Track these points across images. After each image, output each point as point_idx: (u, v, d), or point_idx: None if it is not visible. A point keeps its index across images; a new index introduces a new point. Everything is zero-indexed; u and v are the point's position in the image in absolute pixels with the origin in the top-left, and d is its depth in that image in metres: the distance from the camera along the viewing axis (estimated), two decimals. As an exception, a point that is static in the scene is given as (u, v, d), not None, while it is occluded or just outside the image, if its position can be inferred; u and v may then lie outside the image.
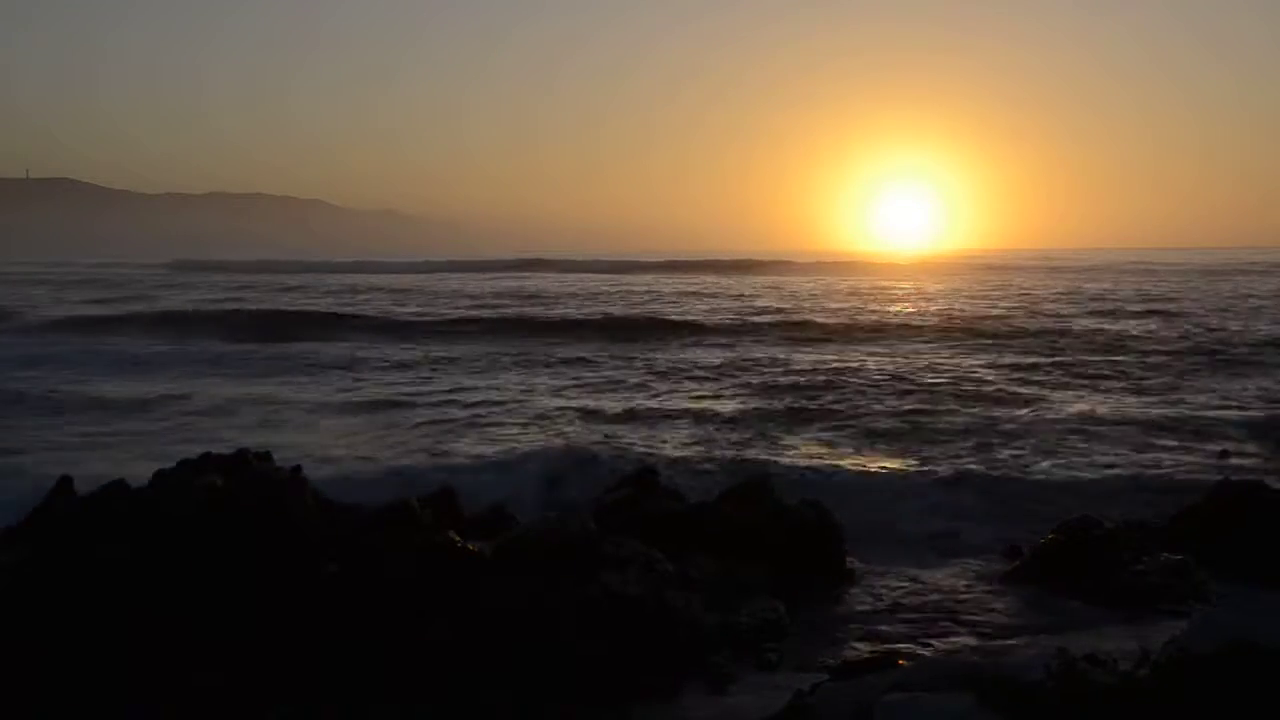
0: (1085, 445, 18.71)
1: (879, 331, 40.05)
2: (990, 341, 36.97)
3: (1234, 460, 17.59)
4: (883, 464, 17.67)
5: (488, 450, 17.98)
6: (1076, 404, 23.66)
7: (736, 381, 27.08)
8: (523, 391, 25.34)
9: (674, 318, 45.54)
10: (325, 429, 20.40)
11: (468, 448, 18.34)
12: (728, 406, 23.01)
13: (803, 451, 18.98)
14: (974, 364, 30.84)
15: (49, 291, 72.77)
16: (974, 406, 23.17)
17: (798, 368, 29.51)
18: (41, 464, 15.34)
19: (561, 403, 23.49)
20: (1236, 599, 10.28)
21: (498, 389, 25.62)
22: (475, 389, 25.60)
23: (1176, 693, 5.46)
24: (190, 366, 30.25)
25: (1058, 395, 24.96)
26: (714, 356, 32.43)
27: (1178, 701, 5.42)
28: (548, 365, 30.47)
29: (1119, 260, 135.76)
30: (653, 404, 23.35)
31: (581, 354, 32.70)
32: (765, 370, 29.06)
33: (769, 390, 25.35)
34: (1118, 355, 32.05)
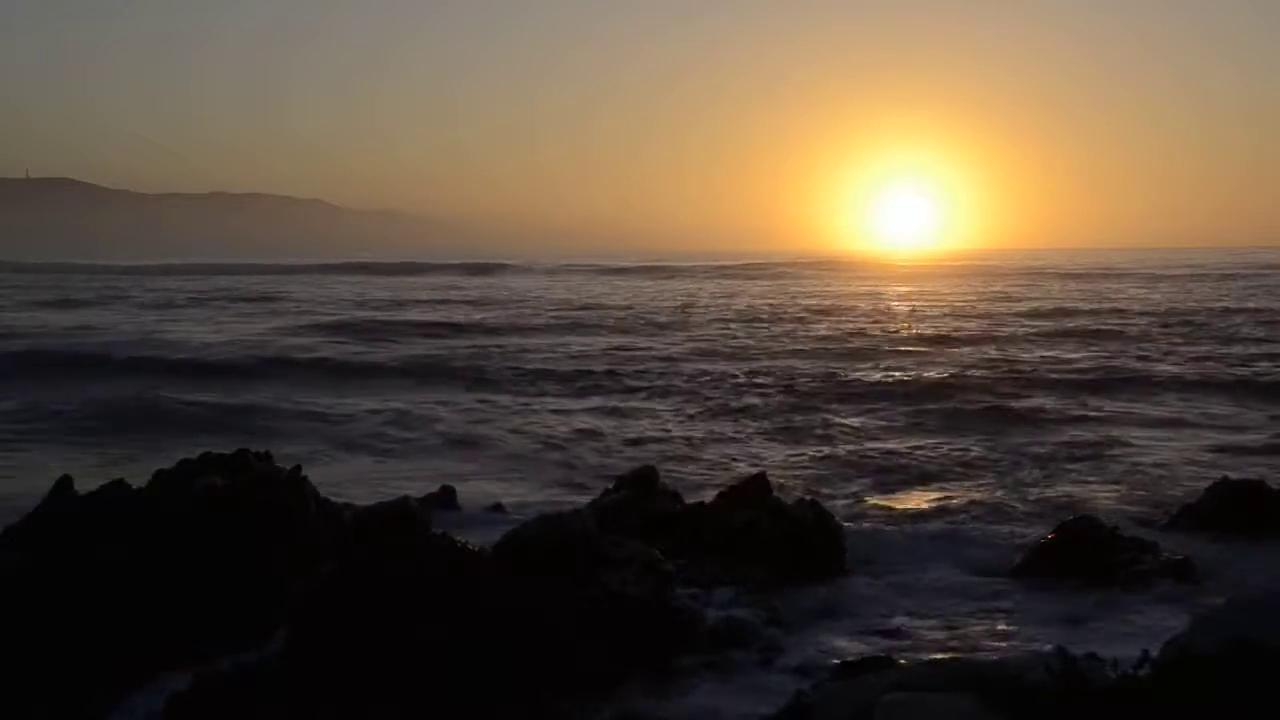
0: (1089, 447, 18.73)
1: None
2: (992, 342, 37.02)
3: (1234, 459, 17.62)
4: (883, 464, 17.69)
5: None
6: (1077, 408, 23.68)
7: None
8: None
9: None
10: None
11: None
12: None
13: (804, 450, 19.00)
14: (976, 363, 30.86)
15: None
16: (977, 409, 23.20)
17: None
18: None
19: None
20: (1236, 599, 10.26)
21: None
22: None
23: (1176, 693, 5.45)
24: None
25: (1059, 398, 24.98)
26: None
27: (1178, 701, 5.41)
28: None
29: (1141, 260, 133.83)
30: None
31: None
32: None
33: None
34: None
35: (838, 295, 70.62)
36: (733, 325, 46.51)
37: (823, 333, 42.41)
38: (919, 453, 18.40)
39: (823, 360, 32.36)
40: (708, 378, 28.63)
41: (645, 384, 27.60)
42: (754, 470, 14.98)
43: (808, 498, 12.84)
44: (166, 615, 8.51)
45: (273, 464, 10.33)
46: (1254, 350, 33.50)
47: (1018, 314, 50.19)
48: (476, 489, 15.54)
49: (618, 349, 36.38)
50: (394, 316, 51.25)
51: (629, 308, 58.14)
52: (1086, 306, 54.49)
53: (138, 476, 9.98)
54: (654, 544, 10.07)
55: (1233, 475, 14.23)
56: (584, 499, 13.06)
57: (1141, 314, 48.84)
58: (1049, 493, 15.41)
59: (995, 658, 6.94)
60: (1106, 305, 55.58)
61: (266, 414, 22.22)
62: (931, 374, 28.73)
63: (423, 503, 11.94)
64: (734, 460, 18.13)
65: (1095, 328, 42.16)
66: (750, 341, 39.06)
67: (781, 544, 11.19)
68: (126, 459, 17.25)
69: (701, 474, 17.04)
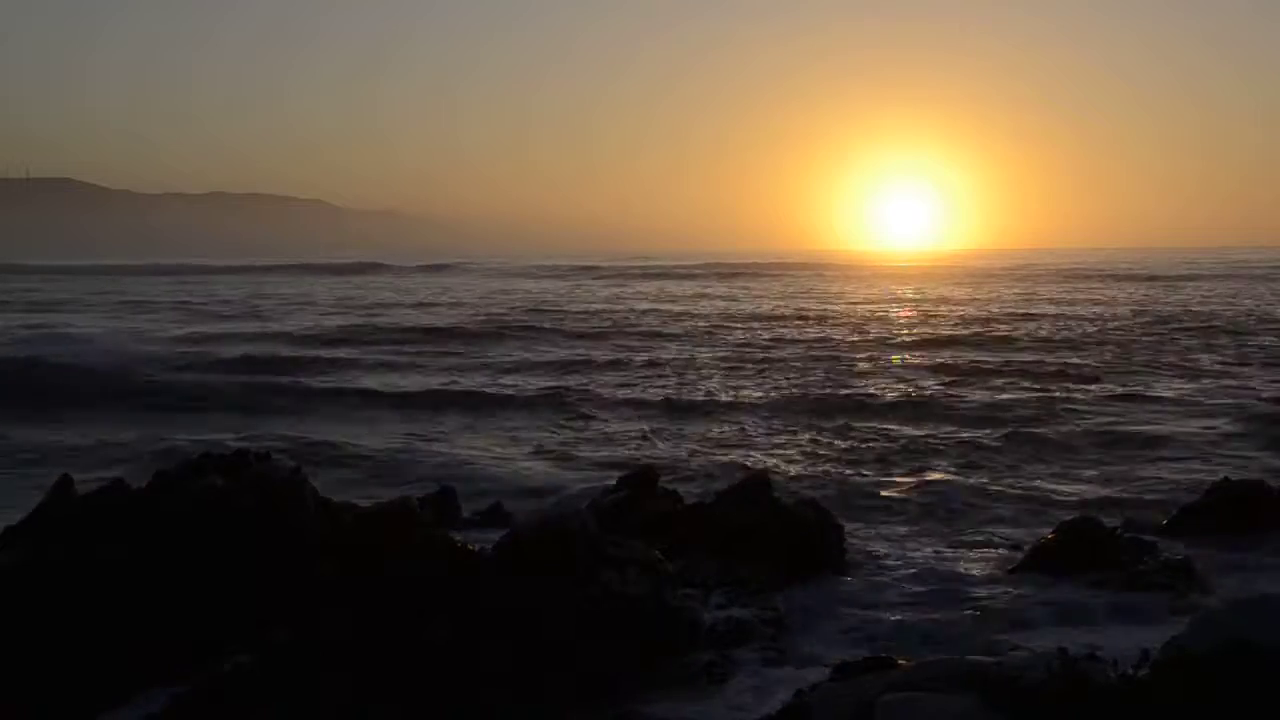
0: (1089, 447, 18.74)
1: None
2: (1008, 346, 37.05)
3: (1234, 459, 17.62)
4: (883, 464, 17.68)
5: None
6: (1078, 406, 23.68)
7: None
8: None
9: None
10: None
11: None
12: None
13: (802, 451, 19.00)
14: (976, 364, 30.87)
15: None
16: (977, 409, 23.20)
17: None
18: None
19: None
20: (1235, 600, 10.26)
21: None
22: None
23: (1176, 693, 5.45)
24: None
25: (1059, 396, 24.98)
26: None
27: (1178, 701, 5.41)
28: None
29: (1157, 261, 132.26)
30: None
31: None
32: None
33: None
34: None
35: (838, 296, 70.63)
36: (732, 325, 46.50)
37: (823, 333, 42.42)
38: (919, 453, 18.40)
39: (823, 360, 32.37)
40: (708, 377, 28.64)
41: (645, 384, 27.60)
42: (754, 470, 15.01)
43: (807, 497, 12.85)
44: (167, 615, 8.51)
45: (272, 464, 10.32)
46: (1254, 353, 33.49)
47: (1018, 315, 50.19)
48: (476, 490, 15.53)
49: (617, 349, 36.40)
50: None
51: (632, 309, 58.14)
52: (1087, 309, 54.52)
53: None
54: (654, 544, 10.08)
55: (1232, 476, 14.24)
56: (583, 499, 13.06)
57: (1141, 315, 48.83)
58: (1049, 492, 15.42)
59: (995, 658, 6.93)
60: (1107, 307, 55.59)
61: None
62: (931, 375, 28.75)
63: (423, 503, 11.93)
64: (734, 460, 18.12)
65: (1095, 329, 42.17)
66: (749, 342, 39.05)
67: (781, 544, 11.20)
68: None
69: (701, 474, 17.03)
